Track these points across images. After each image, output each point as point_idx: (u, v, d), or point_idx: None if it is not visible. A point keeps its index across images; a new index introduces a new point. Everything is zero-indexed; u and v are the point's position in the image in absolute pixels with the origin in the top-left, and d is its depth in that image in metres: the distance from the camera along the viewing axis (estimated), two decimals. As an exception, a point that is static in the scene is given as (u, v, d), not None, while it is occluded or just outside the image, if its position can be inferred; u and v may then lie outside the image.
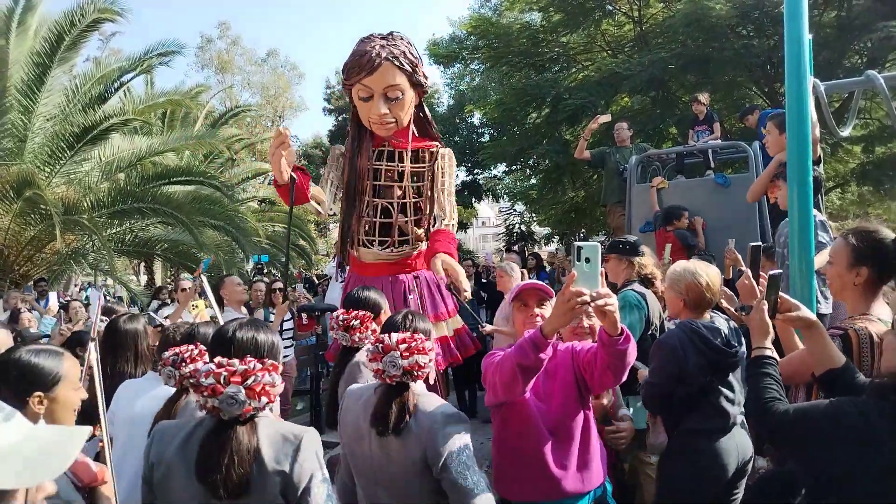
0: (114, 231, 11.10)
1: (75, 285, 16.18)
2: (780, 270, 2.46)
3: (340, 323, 2.73)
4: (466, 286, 3.26)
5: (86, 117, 9.92)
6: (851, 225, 2.65)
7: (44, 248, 10.61)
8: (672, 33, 10.99)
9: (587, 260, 1.82)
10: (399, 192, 3.64)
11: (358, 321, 2.72)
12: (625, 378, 2.09)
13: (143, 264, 16.65)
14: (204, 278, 3.85)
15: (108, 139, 10.38)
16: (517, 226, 21.20)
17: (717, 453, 2.52)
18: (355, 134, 3.60)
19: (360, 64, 3.28)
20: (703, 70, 10.71)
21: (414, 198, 3.68)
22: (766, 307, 2.08)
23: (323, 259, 21.51)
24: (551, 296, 2.32)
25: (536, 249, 20.26)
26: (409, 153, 3.63)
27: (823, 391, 2.04)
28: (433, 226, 3.69)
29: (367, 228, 3.62)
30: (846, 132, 4.03)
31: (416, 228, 3.72)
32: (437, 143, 3.75)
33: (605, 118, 7.54)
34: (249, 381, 1.57)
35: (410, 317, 2.18)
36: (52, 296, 5.86)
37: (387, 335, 2.01)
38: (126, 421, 2.56)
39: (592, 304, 1.80)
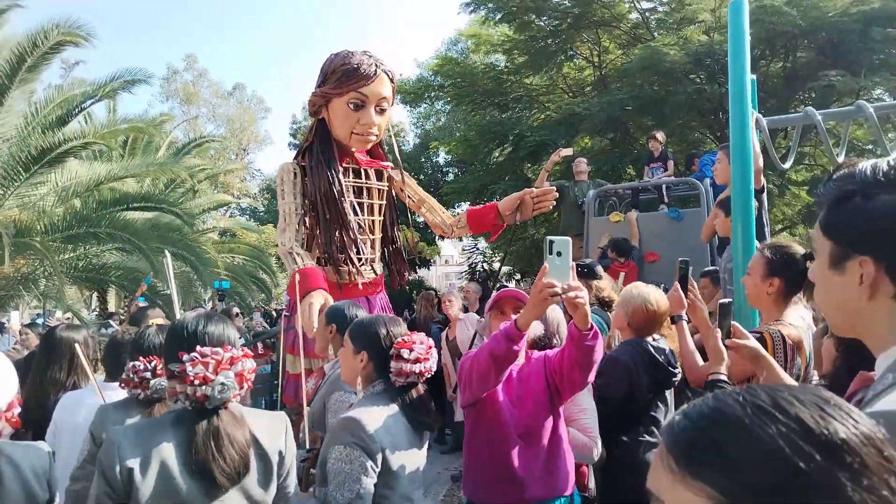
0: (67, 256, 10.79)
1: (22, 316, 15.59)
2: (730, 300, 2.58)
3: None
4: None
5: (44, 139, 9.73)
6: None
7: (-9, 272, 10.26)
8: (629, 77, 11.45)
9: (559, 253, 1.85)
10: (368, 210, 3.64)
11: None
12: (592, 378, 2.14)
13: (95, 295, 16.18)
14: (172, 285, 3.74)
15: (65, 163, 10.14)
16: (480, 263, 21.34)
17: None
18: (325, 150, 3.48)
19: (359, 72, 3.29)
20: (659, 112, 11.15)
21: (379, 216, 3.70)
22: (720, 334, 2.17)
23: (283, 293, 21.22)
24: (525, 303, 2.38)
25: (499, 286, 20.36)
26: (374, 171, 3.66)
27: None
28: (394, 251, 3.81)
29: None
30: (787, 164, 4.26)
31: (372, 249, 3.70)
32: (388, 164, 3.81)
33: (567, 152, 7.75)
34: (237, 367, 1.62)
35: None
36: (14, 315, 5.58)
37: (412, 336, 2.02)
38: (70, 431, 2.51)
39: (563, 297, 1.83)
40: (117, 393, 2.55)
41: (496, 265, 21.38)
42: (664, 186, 7.32)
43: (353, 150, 3.57)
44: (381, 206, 3.71)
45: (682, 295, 2.64)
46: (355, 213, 3.55)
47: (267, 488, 1.69)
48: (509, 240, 15.79)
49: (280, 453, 1.73)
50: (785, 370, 2.23)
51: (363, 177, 3.62)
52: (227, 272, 14.40)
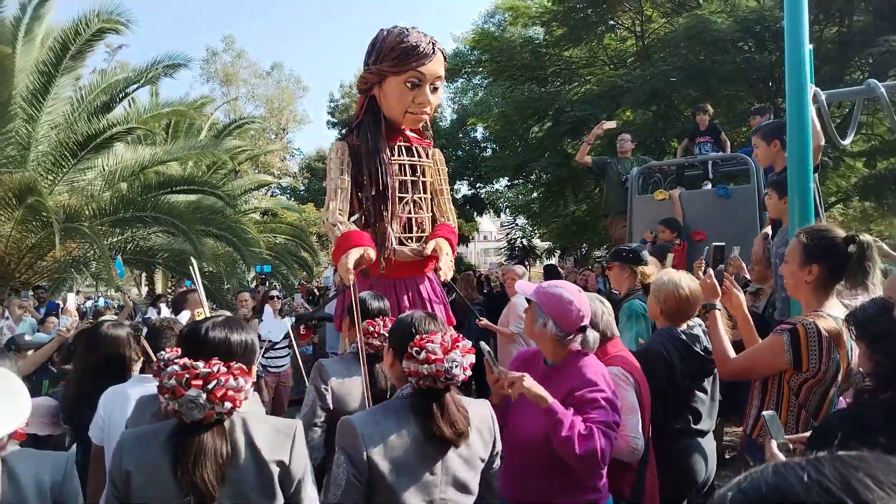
0: (115, 240, 11.11)
1: (76, 294, 16.12)
2: (724, 243, 2.73)
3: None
4: (450, 266, 3.30)
5: (90, 126, 9.96)
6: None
7: (45, 255, 10.62)
8: (674, 47, 11.04)
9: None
10: (423, 188, 3.62)
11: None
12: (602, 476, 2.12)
13: (143, 275, 16.67)
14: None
15: (111, 148, 10.40)
16: (518, 240, 21.21)
17: (693, 454, 2.60)
18: (374, 128, 3.45)
19: (419, 51, 3.25)
20: (705, 84, 10.74)
21: (429, 195, 3.68)
22: (713, 273, 2.38)
23: (324, 271, 21.48)
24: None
25: (538, 264, 20.22)
26: (424, 150, 3.63)
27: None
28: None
29: (401, 226, 3.51)
30: (847, 141, 4.03)
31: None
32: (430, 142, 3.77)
33: (611, 124, 7.53)
34: (211, 386, 1.49)
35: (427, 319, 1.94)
36: (71, 297, 5.80)
37: (438, 337, 1.79)
38: (118, 426, 2.49)
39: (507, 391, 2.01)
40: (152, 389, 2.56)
41: (536, 241, 21.21)
42: (709, 162, 7.05)
43: (404, 127, 3.53)
44: (431, 184, 3.68)
45: (717, 283, 2.54)
46: (409, 192, 3.54)
47: (270, 501, 1.62)
48: (550, 216, 15.61)
49: (282, 464, 1.62)
50: (820, 366, 2.15)
51: (416, 155, 3.58)
52: (269, 252, 14.64)
